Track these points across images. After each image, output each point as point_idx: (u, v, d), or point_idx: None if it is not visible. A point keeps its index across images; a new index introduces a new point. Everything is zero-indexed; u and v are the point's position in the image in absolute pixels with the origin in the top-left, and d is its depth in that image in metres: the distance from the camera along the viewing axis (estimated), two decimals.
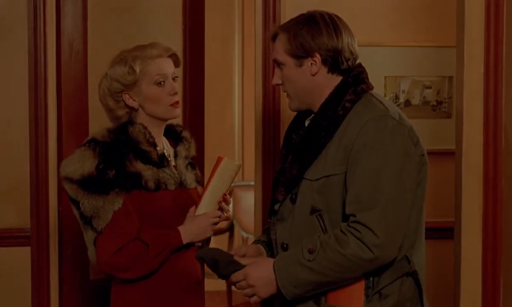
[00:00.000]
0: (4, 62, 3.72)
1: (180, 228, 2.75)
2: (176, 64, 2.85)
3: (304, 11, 2.58)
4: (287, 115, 3.54)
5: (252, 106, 3.80)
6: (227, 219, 2.92)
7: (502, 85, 3.00)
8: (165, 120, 2.84)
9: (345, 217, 2.40)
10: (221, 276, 2.49)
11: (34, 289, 3.72)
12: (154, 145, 2.78)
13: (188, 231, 2.75)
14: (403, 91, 3.69)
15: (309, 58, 2.49)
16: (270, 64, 3.56)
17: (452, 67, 3.33)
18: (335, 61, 2.49)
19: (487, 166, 3.02)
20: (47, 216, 3.70)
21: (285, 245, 2.51)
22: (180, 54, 2.96)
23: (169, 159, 2.84)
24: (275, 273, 2.41)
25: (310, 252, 2.37)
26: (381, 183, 2.35)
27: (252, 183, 3.64)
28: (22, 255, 3.72)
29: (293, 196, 2.51)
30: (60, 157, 3.67)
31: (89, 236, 2.71)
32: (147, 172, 2.72)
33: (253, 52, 3.64)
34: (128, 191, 2.70)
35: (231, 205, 3.00)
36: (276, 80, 2.57)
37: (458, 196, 3.06)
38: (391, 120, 2.41)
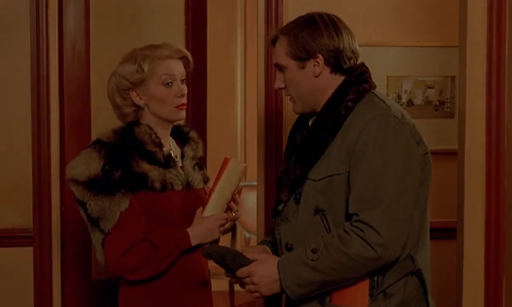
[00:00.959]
0: (7, 63, 3.72)
1: (189, 230, 2.75)
2: (187, 67, 2.84)
3: (307, 11, 2.58)
4: (290, 115, 3.54)
5: (254, 106, 3.80)
6: (235, 219, 2.92)
7: (505, 84, 2.99)
8: (170, 121, 2.84)
9: (349, 217, 2.40)
10: (228, 270, 2.50)
11: (37, 289, 3.72)
12: (160, 145, 2.78)
13: (197, 233, 2.75)
14: (406, 91, 3.69)
15: (312, 60, 2.49)
16: (272, 65, 3.56)
17: (455, 67, 3.33)
18: (337, 60, 2.49)
19: (490, 166, 3.02)
20: (49, 216, 3.71)
21: (289, 246, 2.51)
22: None
23: (176, 159, 2.84)
24: (279, 273, 2.41)
25: (314, 251, 2.37)
26: (384, 182, 2.35)
27: (255, 183, 3.64)
28: (25, 255, 3.72)
29: (297, 197, 2.50)
30: (63, 157, 3.68)
31: (96, 238, 2.71)
32: (153, 173, 2.72)
33: (255, 53, 3.65)
34: (134, 192, 2.69)
35: None
36: (278, 84, 2.57)
37: (460, 196, 3.06)
38: (394, 118, 2.41)
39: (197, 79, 3.93)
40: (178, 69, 2.80)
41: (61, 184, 3.68)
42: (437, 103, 3.72)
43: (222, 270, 2.54)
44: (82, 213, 2.71)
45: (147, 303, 2.75)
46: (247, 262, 2.46)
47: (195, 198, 2.84)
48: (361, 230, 2.33)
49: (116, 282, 2.82)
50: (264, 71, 3.58)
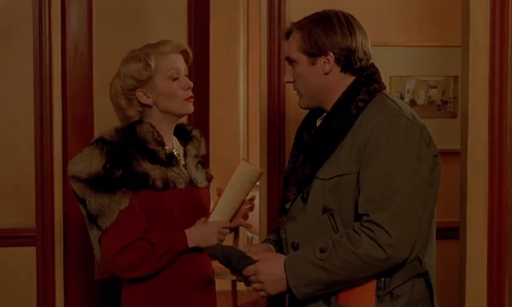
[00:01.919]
0: (10, 63, 3.73)
1: (186, 231, 2.75)
2: (187, 61, 2.85)
3: (309, 11, 2.58)
4: (293, 115, 3.54)
5: (257, 105, 3.80)
6: (247, 227, 2.91)
7: (507, 84, 2.99)
8: (180, 116, 2.83)
9: (357, 217, 2.40)
10: (234, 270, 2.49)
11: (39, 289, 3.73)
12: (162, 144, 2.78)
13: (193, 236, 2.75)
14: (408, 91, 3.69)
15: (323, 57, 2.49)
16: (275, 64, 3.55)
17: (458, 67, 3.32)
18: (348, 60, 2.49)
19: (492, 165, 3.01)
20: (52, 216, 3.71)
21: (295, 245, 2.51)
22: None
23: (179, 158, 2.84)
24: (285, 272, 2.40)
25: (322, 251, 2.36)
26: (395, 183, 2.35)
27: (257, 183, 3.63)
28: (27, 255, 3.73)
29: (305, 195, 2.50)
30: (65, 158, 3.68)
31: (94, 235, 2.72)
32: (155, 172, 2.72)
33: (258, 52, 3.64)
34: (135, 191, 2.70)
35: None
36: (287, 78, 2.57)
37: (463, 196, 3.05)
38: (405, 119, 2.41)
39: (199, 79, 3.93)
40: (181, 63, 2.81)
41: (64, 183, 3.69)
42: (440, 103, 3.72)
43: (225, 270, 2.54)
44: (82, 210, 2.72)
45: (150, 303, 2.75)
46: (252, 262, 2.46)
47: (198, 197, 2.84)
48: (371, 230, 2.33)
49: (118, 282, 2.83)
50: (266, 71, 3.57)
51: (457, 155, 3.21)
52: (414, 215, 2.38)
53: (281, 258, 2.45)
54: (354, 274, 2.36)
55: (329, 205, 2.44)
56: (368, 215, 2.35)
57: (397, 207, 2.34)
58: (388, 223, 2.32)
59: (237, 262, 2.46)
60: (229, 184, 2.74)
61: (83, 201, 2.70)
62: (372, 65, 2.55)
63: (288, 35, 2.56)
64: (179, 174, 2.79)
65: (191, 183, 2.84)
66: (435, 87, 3.71)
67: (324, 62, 2.49)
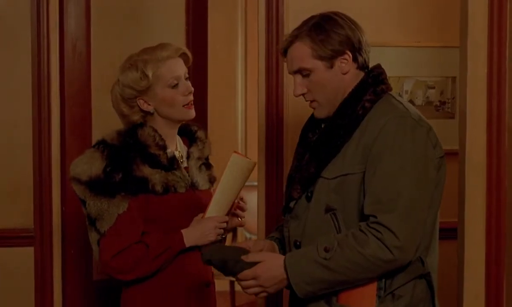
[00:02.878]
0: (8, 63, 3.72)
1: (183, 230, 2.75)
2: (187, 63, 2.83)
3: (308, 12, 2.57)
4: (291, 115, 3.54)
5: (255, 106, 3.79)
6: (240, 225, 2.89)
7: (506, 85, 2.99)
8: (180, 122, 2.83)
9: (360, 217, 2.39)
10: (230, 274, 2.48)
11: (38, 289, 3.72)
12: (164, 148, 2.77)
13: (191, 234, 2.75)
14: (406, 92, 3.69)
15: (339, 57, 2.46)
16: (273, 65, 3.55)
17: (456, 68, 3.32)
18: (361, 55, 2.48)
19: (491, 166, 3.01)
20: (50, 216, 3.71)
21: (298, 243, 2.50)
22: None
23: (181, 160, 2.83)
24: (286, 271, 2.39)
25: (327, 250, 2.35)
26: (401, 184, 2.34)
27: (256, 183, 3.63)
28: (26, 255, 3.72)
29: (309, 194, 2.49)
30: (64, 158, 3.68)
31: (93, 237, 2.73)
32: (155, 176, 2.71)
33: (256, 53, 3.64)
34: (134, 195, 2.69)
35: None
36: (300, 90, 2.50)
37: (461, 196, 3.05)
38: (412, 120, 2.40)
39: (198, 80, 3.93)
40: (181, 68, 2.79)
41: (62, 184, 3.68)
42: (438, 103, 3.72)
43: None
44: (84, 211, 2.73)
45: (149, 303, 2.75)
46: (248, 266, 2.43)
47: (199, 200, 2.83)
48: (378, 231, 2.32)
49: (117, 282, 2.82)
50: (265, 71, 3.57)
51: (455, 156, 3.21)
52: (420, 216, 2.37)
53: (279, 259, 2.43)
54: (359, 274, 2.35)
55: (332, 205, 2.43)
56: (375, 217, 2.34)
57: (404, 209, 2.33)
58: (396, 226, 2.31)
59: (233, 266, 2.44)
60: (223, 178, 2.71)
61: (84, 203, 2.71)
62: (379, 65, 2.54)
63: (286, 51, 2.51)
64: (180, 177, 2.78)
65: (193, 186, 2.83)
66: (433, 88, 3.71)
67: (341, 62, 2.47)
